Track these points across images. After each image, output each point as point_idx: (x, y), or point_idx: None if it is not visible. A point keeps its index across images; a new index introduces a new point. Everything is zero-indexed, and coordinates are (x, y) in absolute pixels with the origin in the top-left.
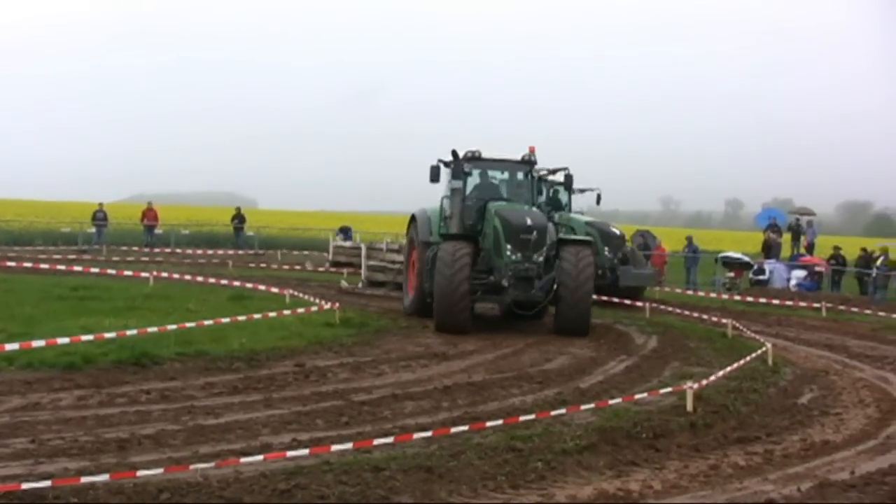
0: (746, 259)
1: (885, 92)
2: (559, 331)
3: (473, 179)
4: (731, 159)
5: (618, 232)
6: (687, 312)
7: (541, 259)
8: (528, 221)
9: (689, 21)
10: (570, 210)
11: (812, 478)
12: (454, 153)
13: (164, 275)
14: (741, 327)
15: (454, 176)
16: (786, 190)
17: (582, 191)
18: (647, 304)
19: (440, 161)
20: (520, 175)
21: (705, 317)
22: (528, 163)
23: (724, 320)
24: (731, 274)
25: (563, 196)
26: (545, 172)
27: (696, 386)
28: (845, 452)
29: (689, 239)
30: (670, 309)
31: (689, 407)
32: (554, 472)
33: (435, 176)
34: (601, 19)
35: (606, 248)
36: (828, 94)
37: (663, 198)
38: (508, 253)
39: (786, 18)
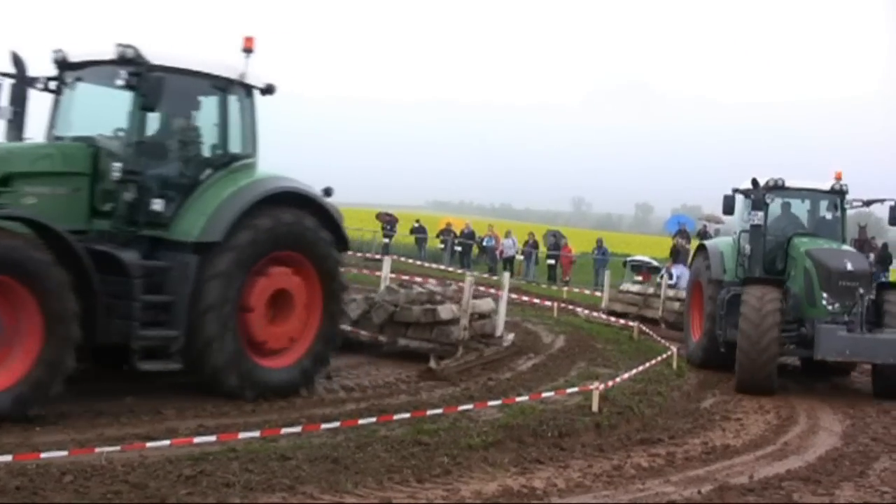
0: (655, 263)
1: (795, 102)
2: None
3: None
4: (643, 163)
5: (849, 267)
6: (595, 314)
7: None
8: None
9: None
10: (844, 230)
11: (712, 481)
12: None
13: None
14: (648, 330)
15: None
16: (695, 196)
17: (867, 203)
18: (556, 304)
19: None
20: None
21: (612, 319)
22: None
23: (630, 323)
24: (640, 277)
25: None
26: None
27: (602, 387)
28: (745, 457)
29: (599, 241)
30: (578, 310)
31: (595, 407)
32: (459, 467)
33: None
34: None
35: (825, 294)
36: (738, 106)
37: (575, 199)
38: None
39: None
